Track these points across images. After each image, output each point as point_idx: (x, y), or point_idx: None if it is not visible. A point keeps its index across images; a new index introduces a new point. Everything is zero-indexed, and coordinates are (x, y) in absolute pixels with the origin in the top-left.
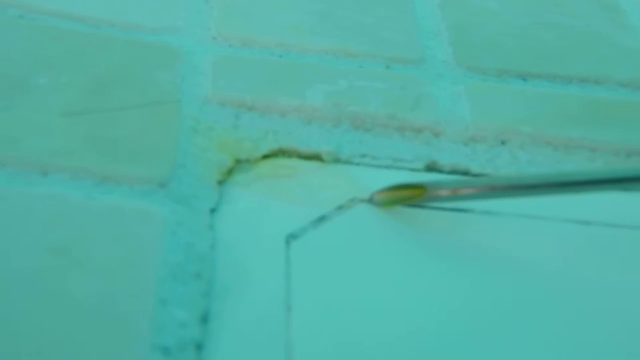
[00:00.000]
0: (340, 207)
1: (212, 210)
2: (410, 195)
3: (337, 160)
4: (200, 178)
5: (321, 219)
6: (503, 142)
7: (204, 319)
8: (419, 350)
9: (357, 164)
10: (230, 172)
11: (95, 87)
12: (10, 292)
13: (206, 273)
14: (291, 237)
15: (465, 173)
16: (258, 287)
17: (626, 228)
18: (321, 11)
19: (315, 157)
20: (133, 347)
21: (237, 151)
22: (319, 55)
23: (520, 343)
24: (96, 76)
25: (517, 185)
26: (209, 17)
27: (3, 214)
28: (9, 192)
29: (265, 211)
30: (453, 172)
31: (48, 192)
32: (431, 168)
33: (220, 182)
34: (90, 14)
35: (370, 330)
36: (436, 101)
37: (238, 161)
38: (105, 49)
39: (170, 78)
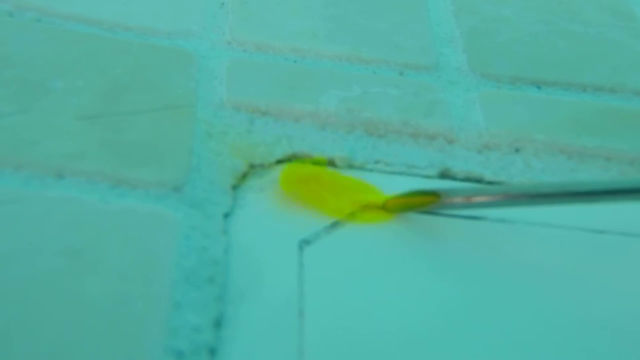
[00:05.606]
0: (354, 213)
1: (226, 215)
2: (423, 202)
3: (350, 166)
4: (214, 182)
5: (334, 224)
6: (517, 150)
7: (217, 323)
8: (431, 356)
9: (371, 170)
10: (244, 176)
11: (110, 90)
12: (25, 294)
13: (220, 277)
14: (304, 243)
15: (479, 180)
16: (271, 292)
17: None
18: (336, 17)
19: (329, 163)
20: (146, 350)
21: (251, 156)
22: (333, 61)
23: (534, 350)
24: (112, 80)
25: (531, 193)
26: (224, 21)
27: (19, 216)
28: (25, 194)
29: (278, 216)
30: (466, 179)
31: (63, 195)
32: (445, 175)
33: (234, 187)
34: (106, 18)
35: (382, 336)
36: (450, 108)
37: (252, 166)
38: (121, 53)
39: (185, 82)
